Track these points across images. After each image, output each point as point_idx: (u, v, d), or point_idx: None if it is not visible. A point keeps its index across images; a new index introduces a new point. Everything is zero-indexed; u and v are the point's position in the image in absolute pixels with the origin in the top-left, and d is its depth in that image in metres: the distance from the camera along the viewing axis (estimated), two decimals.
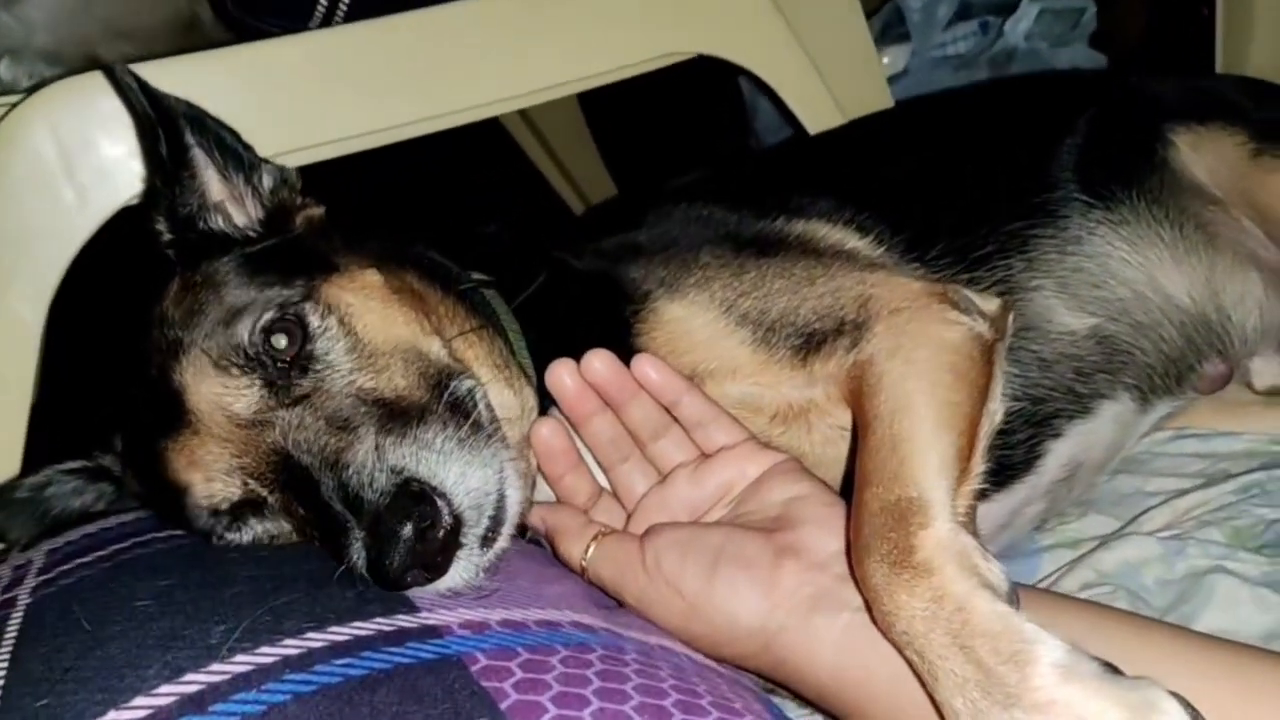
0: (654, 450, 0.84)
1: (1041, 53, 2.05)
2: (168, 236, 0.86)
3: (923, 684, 0.62)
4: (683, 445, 0.84)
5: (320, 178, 1.06)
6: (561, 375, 0.82)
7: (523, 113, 2.11)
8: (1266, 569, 0.93)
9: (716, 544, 0.73)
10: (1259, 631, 0.86)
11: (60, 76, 1.15)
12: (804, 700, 0.81)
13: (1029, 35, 2.03)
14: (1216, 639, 0.70)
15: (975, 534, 0.69)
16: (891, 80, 2.06)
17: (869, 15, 2.12)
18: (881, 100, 1.45)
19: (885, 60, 2.08)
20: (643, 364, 0.82)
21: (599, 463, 0.85)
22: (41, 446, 1.06)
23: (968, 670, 0.58)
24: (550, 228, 1.20)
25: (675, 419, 0.84)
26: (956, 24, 2.11)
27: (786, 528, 0.74)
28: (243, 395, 0.75)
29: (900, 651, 0.63)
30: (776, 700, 0.88)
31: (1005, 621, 0.58)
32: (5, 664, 0.58)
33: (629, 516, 0.82)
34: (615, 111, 2.18)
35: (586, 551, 0.78)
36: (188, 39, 1.35)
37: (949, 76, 2.07)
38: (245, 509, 0.75)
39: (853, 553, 0.69)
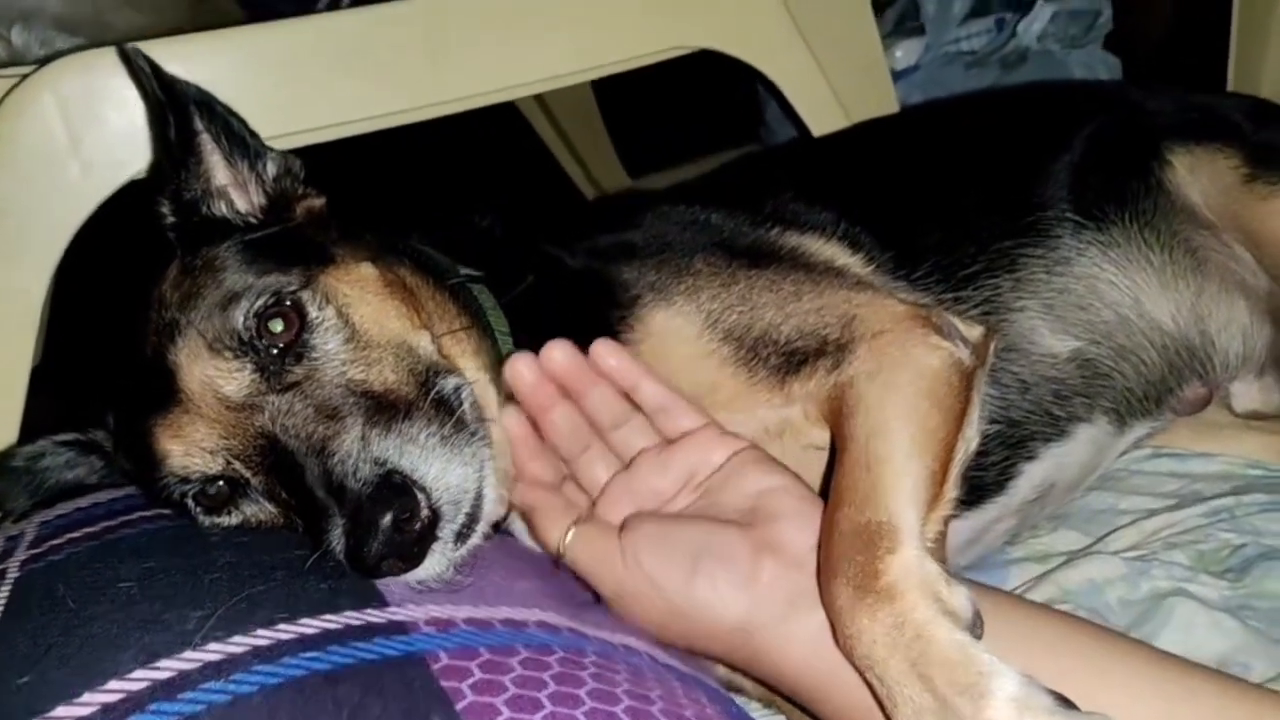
0: (615, 438, 0.85)
1: (1055, 54, 2.04)
2: (170, 220, 0.87)
3: (882, 708, 0.64)
4: (644, 432, 0.85)
5: (331, 151, 1.08)
6: (519, 368, 0.82)
7: (537, 95, 2.12)
8: (1227, 594, 0.95)
9: (696, 541, 0.75)
10: (1213, 655, 0.88)
11: (72, 45, 1.16)
12: (772, 692, 0.83)
13: (1042, 36, 2.02)
14: (1182, 660, 0.71)
15: (943, 560, 0.71)
16: (903, 75, 2.06)
17: (884, 7, 2.12)
18: (887, 104, 1.45)
19: (898, 54, 2.08)
20: (600, 349, 0.83)
21: (560, 454, 0.86)
22: (41, 413, 1.09)
23: (925, 699, 0.60)
24: (547, 220, 1.22)
25: (636, 407, 0.85)
26: (971, 20, 2.10)
27: (763, 522, 0.75)
28: (234, 378, 0.77)
29: (861, 675, 0.65)
30: (740, 700, 0.91)
31: (963, 651, 0.60)
32: None
33: (594, 504, 0.83)
34: (628, 97, 2.19)
35: (566, 535, 0.79)
36: (198, 10, 1.37)
37: (961, 74, 2.06)
38: (226, 490, 0.78)
39: (821, 572, 0.70)
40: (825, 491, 0.78)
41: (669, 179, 2.20)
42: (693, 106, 2.30)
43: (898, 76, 2.04)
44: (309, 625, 0.61)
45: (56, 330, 1.24)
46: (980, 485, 0.97)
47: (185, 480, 0.77)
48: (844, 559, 0.67)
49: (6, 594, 0.67)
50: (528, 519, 0.83)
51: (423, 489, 0.71)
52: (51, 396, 1.18)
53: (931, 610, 0.62)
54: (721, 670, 0.90)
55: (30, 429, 1.03)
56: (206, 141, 0.87)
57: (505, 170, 2.43)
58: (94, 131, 1.01)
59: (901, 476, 0.72)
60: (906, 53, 2.08)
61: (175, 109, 0.84)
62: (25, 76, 1.01)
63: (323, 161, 1.00)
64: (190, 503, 0.78)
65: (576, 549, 0.79)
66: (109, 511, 0.80)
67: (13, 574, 0.70)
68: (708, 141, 2.33)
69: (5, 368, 1.02)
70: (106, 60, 1.00)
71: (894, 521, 0.68)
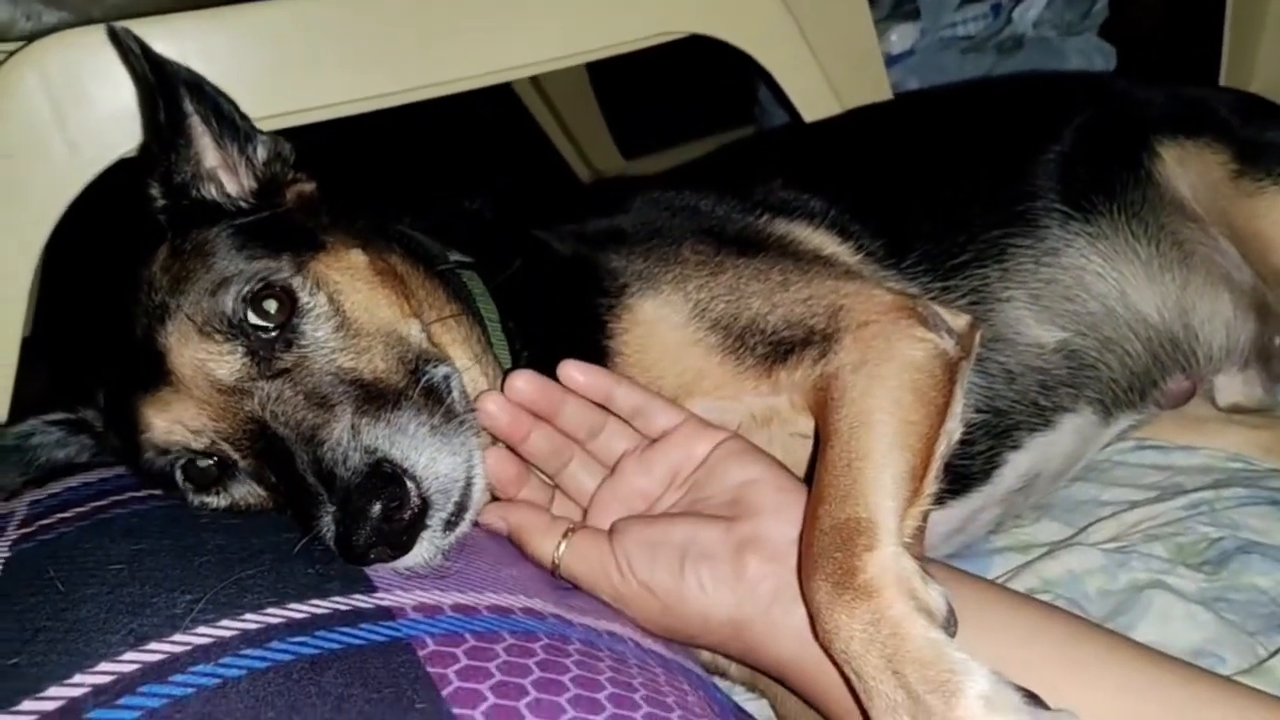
0: (595, 446, 0.85)
1: (1051, 41, 2.04)
2: (160, 202, 0.87)
3: (858, 701, 0.65)
4: (623, 434, 0.85)
5: (325, 132, 1.07)
6: (489, 409, 0.81)
7: (532, 76, 2.11)
8: (1203, 585, 0.96)
9: (681, 542, 0.76)
10: (1187, 647, 0.89)
11: (59, 20, 1.15)
12: (757, 674, 0.85)
13: (1038, 22, 2.02)
14: (1155, 653, 0.73)
15: (920, 555, 0.72)
16: (898, 59, 2.05)
17: None
18: (880, 91, 1.44)
19: (894, 38, 2.07)
20: (567, 369, 0.83)
21: (544, 473, 0.86)
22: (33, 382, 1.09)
23: (898, 695, 0.61)
24: (540, 203, 1.22)
25: (612, 413, 0.85)
26: (967, 5, 2.09)
27: (745, 516, 0.76)
28: (225, 362, 0.77)
29: (839, 668, 0.66)
30: (724, 684, 0.92)
31: (936, 649, 0.61)
32: None
33: (584, 513, 0.84)
34: (623, 78, 2.18)
35: (558, 549, 0.80)
36: None
37: (956, 59, 2.05)
38: (215, 469, 0.78)
39: (801, 567, 0.71)
40: (811, 476, 0.79)
41: (664, 161, 2.20)
42: (687, 88, 2.30)
43: (893, 61, 2.04)
44: (297, 610, 0.61)
45: (48, 297, 1.24)
46: (966, 474, 0.98)
47: (166, 451, 0.78)
48: (823, 555, 0.68)
49: None
50: (517, 539, 0.83)
51: (413, 477, 0.71)
52: (43, 366, 1.18)
53: (907, 607, 0.63)
54: (705, 654, 0.91)
55: (22, 397, 1.04)
56: (196, 124, 0.87)
57: (499, 151, 2.43)
58: (80, 111, 1.01)
59: (882, 471, 0.73)
60: (902, 37, 2.08)
61: (165, 90, 0.84)
62: (10, 54, 1.00)
63: (316, 142, 1.00)
64: (179, 474, 0.78)
65: (572, 560, 0.79)
66: (99, 491, 0.80)
67: (2, 554, 0.70)
68: (702, 123, 2.33)
69: None
70: (93, 38, 1.00)
71: (873, 518, 0.69)
